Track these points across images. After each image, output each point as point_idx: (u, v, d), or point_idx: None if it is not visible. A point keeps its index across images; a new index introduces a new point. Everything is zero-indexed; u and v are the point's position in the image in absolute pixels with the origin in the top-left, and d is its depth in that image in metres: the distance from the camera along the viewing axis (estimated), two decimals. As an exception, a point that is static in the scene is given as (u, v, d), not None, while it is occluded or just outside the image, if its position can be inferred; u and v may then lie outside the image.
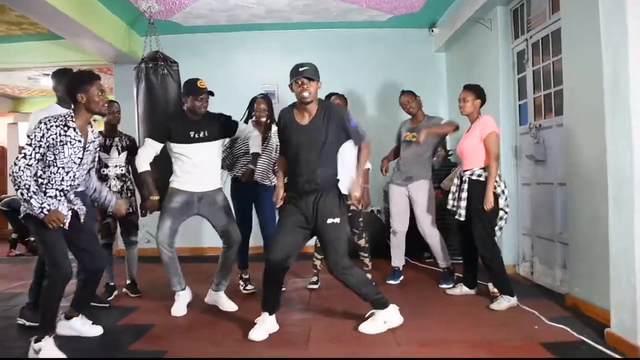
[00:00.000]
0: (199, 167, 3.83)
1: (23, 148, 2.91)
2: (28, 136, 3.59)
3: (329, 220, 3.29)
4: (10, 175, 2.88)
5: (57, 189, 2.99)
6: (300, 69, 3.23)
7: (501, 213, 3.86)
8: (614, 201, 2.93)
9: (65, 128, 2.96)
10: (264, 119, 4.41)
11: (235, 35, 6.71)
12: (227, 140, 4.20)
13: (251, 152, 4.04)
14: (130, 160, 4.36)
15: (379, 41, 6.72)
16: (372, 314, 3.43)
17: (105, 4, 5.56)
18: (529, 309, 3.68)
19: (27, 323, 3.53)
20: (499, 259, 3.87)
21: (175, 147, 3.80)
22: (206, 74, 6.20)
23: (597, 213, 3.34)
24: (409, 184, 4.60)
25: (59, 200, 3.00)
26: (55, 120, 2.95)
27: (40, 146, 2.89)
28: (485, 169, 3.86)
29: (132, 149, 4.39)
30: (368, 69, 6.71)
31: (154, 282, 4.87)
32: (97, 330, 3.39)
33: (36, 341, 2.94)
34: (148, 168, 3.80)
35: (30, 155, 2.88)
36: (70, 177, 3.02)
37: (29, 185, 2.85)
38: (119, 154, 4.34)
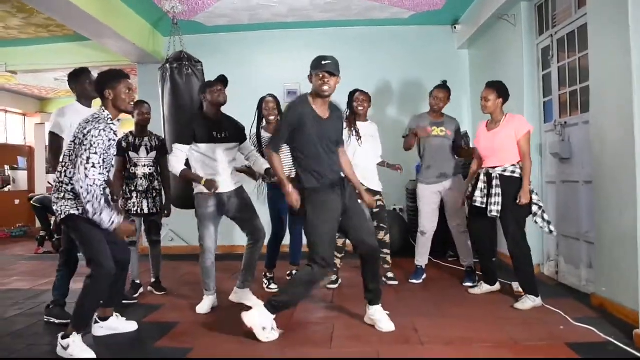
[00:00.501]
0: (224, 167, 3.87)
1: (89, 158, 2.89)
2: (50, 133, 3.67)
3: (360, 200, 3.52)
4: (81, 187, 2.87)
5: (102, 189, 3.02)
6: (323, 62, 3.25)
7: (535, 208, 3.81)
8: (642, 199, 2.88)
9: (110, 130, 3.03)
10: (272, 118, 4.44)
11: (258, 35, 6.75)
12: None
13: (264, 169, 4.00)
14: (159, 160, 4.43)
15: (401, 39, 6.69)
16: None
17: (129, 5, 5.65)
18: (554, 308, 3.64)
19: (57, 321, 3.59)
20: (529, 256, 3.82)
21: (201, 148, 3.82)
22: (228, 73, 6.21)
23: (624, 211, 3.29)
24: (443, 181, 4.58)
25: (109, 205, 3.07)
26: (104, 122, 2.99)
27: (104, 152, 2.96)
28: (516, 165, 3.85)
29: (161, 149, 4.46)
30: (390, 67, 6.68)
31: (179, 280, 4.95)
32: (132, 326, 3.46)
33: (63, 337, 2.99)
34: (183, 167, 3.82)
35: (98, 163, 2.92)
36: (107, 175, 3.12)
37: (101, 199, 2.92)
38: (148, 153, 4.40)
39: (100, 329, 3.37)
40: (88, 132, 2.94)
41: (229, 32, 6.70)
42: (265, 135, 4.47)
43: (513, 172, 3.84)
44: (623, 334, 3.08)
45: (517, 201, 3.75)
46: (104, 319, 3.38)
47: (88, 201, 2.89)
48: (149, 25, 6.27)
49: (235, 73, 6.00)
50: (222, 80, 3.93)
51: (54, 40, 6.93)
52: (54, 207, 3.07)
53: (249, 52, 6.82)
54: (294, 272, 4.61)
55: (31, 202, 7.93)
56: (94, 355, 2.96)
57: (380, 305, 3.46)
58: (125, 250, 3.36)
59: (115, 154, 3.13)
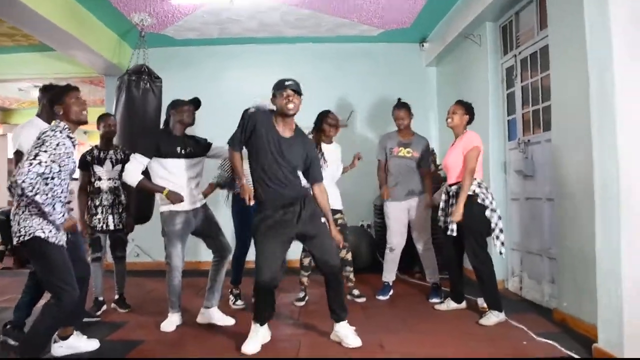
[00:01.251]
0: (188, 183, 3.84)
1: (37, 155, 2.73)
2: (17, 151, 3.56)
3: (323, 219, 3.49)
4: (16, 183, 2.69)
5: (61, 202, 2.90)
6: (287, 83, 3.30)
7: (492, 225, 3.85)
8: (601, 217, 2.96)
9: (67, 137, 2.95)
10: None
11: (227, 49, 6.74)
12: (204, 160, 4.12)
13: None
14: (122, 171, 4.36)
15: (370, 55, 6.78)
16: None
17: (97, 17, 5.58)
18: (518, 324, 3.70)
19: (14, 342, 3.41)
20: (492, 272, 3.87)
21: (166, 163, 3.77)
22: (198, 87, 6.24)
23: (584, 229, 3.37)
24: (409, 199, 4.61)
25: (64, 215, 2.92)
26: (63, 131, 2.91)
27: (52, 154, 2.78)
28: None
29: (126, 162, 4.37)
30: (359, 83, 6.75)
31: (144, 297, 4.85)
32: (94, 344, 3.36)
33: None
34: (142, 177, 3.73)
35: (46, 162, 2.74)
36: (66, 188, 2.99)
37: (46, 195, 2.75)
38: (113, 166, 4.32)
39: (60, 349, 3.26)
40: (42, 134, 2.86)
41: (198, 45, 6.67)
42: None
43: (458, 199, 3.89)
44: (583, 348, 3.15)
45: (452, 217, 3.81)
46: (64, 337, 3.27)
47: (35, 194, 2.68)
48: (117, 37, 6.20)
49: (205, 87, 6.03)
50: (194, 103, 3.94)
51: (19, 50, 6.77)
52: (14, 227, 2.88)
53: (219, 66, 6.80)
54: (235, 290, 4.55)
55: None
56: None
57: (346, 321, 3.45)
58: (85, 266, 3.30)
59: (74, 168, 3.00)
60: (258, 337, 3.32)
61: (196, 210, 3.88)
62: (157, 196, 3.89)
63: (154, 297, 4.88)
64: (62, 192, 2.92)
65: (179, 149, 3.81)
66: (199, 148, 3.96)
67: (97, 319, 4.06)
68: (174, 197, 3.65)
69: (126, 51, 6.46)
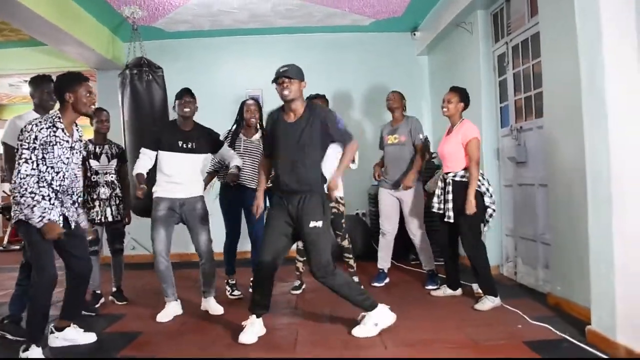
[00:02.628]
0: (182, 176, 3.89)
1: (21, 154, 2.90)
2: (4, 143, 3.58)
3: (312, 224, 3.32)
4: (13, 182, 2.88)
5: (51, 190, 3.00)
6: (281, 70, 3.33)
7: (489, 210, 3.90)
8: (593, 201, 2.99)
9: (54, 129, 3.00)
10: (253, 120, 4.45)
11: (219, 41, 6.72)
12: (211, 155, 4.19)
13: (232, 165, 4.09)
14: (120, 168, 4.39)
15: (362, 45, 6.78)
16: (363, 316, 3.45)
17: (88, 10, 5.55)
18: (513, 308, 3.74)
19: (11, 337, 3.46)
20: (485, 258, 3.91)
21: (162, 155, 3.86)
22: (190, 78, 6.23)
23: (576, 213, 3.41)
24: (398, 189, 4.64)
25: (52, 203, 3.00)
26: (44, 121, 2.98)
27: (35, 148, 2.91)
28: (466, 170, 3.92)
29: (121, 157, 4.43)
30: (352, 73, 6.76)
31: (141, 289, 4.87)
32: (91, 337, 3.38)
33: (24, 350, 2.93)
34: (143, 172, 3.84)
35: (30, 158, 2.90)
36: (59, 177, 3.05)
37: (35, 193, 2.88)
38: (109, 161, 4.35)
39: (56, 340, 3.30)
40: (21, 130, 2.96)
41: (190, 37, 6.65)
42: (243, 137, 4.46)
43: (463, 176, 3.93)
44: (577, 330, 3.20)
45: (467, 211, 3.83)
46: (60, 329, 3.31)
47: (21, 195, 2.87)
48: (109, 30, 6.17)
49: (197, 79, 6.02)
50: (188, 92, 3.95)
51: (8, 45, 6.71)
52: (12, 212, 3.04)
53: (211, 58, 6.79)
54: (230, 280, 4.58)
55: None
56: None
57: (369, 313, 3.42)
58: (87, 264, 3.31)
59: (62, 155, 3.04)
60: (254, 327, 3.35)
61: (185, 201, 3.91)
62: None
63: (150, 289, 4.89)
64: (52, 180, 3.01)
65: (180, 142, 3.87)
66: (204, 144, 3.99)
67: (94, 313, 4.07)
68: (140, 191, 3.69)
69: (118, 45, 6.44)
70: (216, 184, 4.58)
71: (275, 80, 3.34)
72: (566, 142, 3.61)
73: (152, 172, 3.94)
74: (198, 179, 4.03)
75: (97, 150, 4.34)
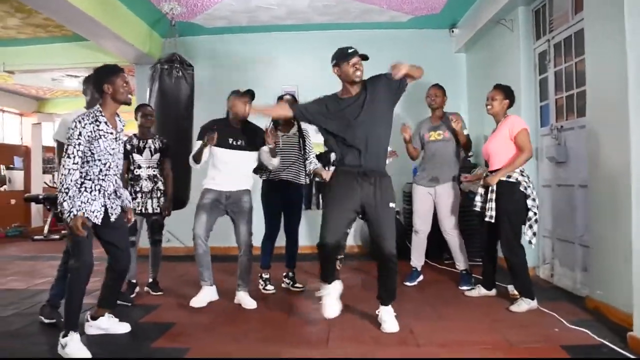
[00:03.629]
0: (230, 171, 4.02)
1: (66, 149, 3.03)
2: (56, 140, 3.69)
3: (391, 204, 3.38)
4: (61, 175, 3.02)
5: (95, 181, 3.12)
6: (350, 50, 3.37)
7: (530, 214, 3.80)
8: (637, 201, 2.90)
9: (97, 123, 3.11)
10: (282, 121, 4.44)
11: (256, 37, 6.76)
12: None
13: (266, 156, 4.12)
14: (162, 162, 4.47)
15: (399, 42, 6.71)
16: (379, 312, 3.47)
17: (128, 6, 5.66)
18: (549, 311, 3.66)
19: (46, 320, 3.60)
20: (524, 261, 3.83)
21: (215, 150, 3.99)
22: (226, 75, 6.33)
23: (619, 215, 3.31)
24: (435, 186, 4.59)
25: (94, 196, 3.11)
26: (87, 117, 3.09)
27: (79, 144, 3.03)
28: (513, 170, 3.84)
29: (164, 151, 4.50)
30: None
31: (176, 281, 4.95)
32: (125, 327, 3.45)
33: (63, 336, 3.01)
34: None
35: (74, 154, 3.02)
36: (107, 168, 3.17)
37: (69, 189, 2.98)
38: (152, 155, 4.43)
39: (90, 328, 3.38)
40: (68, 129, 3.09)
41: (227, 33, 6.71)
42: (280, 133, 4.43)
43: (509, 176, 3.84)
44: (617, 336, 3.10)
45: (504, 198, 3.76)
46: (95, 317, 3.39)
47: (59, 190, 3.02)
48: (147, 26, 6.27)
49: (233, 75, 6.08)
50: (249, 94, 4.00)
51: (52, 41, 6.93)
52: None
53: (248, 54, 6.83)
54: (290, 274, 4.63)
55: None
56: (89, 355, 2.96)
57: (390, 306, 3.45)
58: (126, 255, 3.37)
59: (108, 147, 3.15)
60: (332, 296, 3.37)
61: (230, 193, 4.03)
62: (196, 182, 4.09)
63: (185, 280, 4.98)
64: (100, 172, 3.14)
65: (230, 140, 4.00)
66: (253, 142, 4.08)
67: (130, 303, 4.15)
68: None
69: (157, 40, 6.54)
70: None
71: (343, 58, 3.35)
72: (610, 142, 3.50)
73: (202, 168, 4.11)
74: (245, 174, 4.14)
75: (141, 144, 4.43)
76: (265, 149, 4.05)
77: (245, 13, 6.08)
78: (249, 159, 4.11)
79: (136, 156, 4.39)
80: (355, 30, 6.67)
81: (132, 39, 5.88)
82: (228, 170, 4.01)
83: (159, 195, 4.43)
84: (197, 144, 4.04)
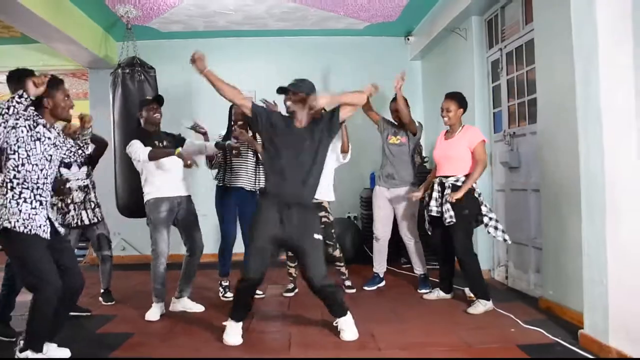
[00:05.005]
0: (172, 173, 3.95)
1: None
2: None
3: (316, 236, 3.33)
4: None
5: (35, 190, 2.82)
6: (289, 84, 3.39)
7: (485, 219, 3.90)
8: (586, 205, 3.02)
9: (35, 124, 2.85)
10: (240, 123, 4.38)
11: (214, 42, 6.67)
12: None
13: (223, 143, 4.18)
14: (89, 172, 4.35)
15: (356, 49, 6.78)
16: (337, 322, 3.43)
17: (82, 9, 5.51)
18: (505, 312, 3.76)
19: (1, 337, 3.39)
20: (476, 263, 3.94)
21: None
22: (184, 79, 6.24)
23: (569, 218, 3.45)
24: (392, 187, 4.66)
25: (35, 208, 2.81)
26: (24, 110, 2.76)
27: (6, 133, 2.73)
28: (468, 176, 3.94)
29: (90, 162, 4.32)
30: (345, 76, 6.72)
31: (131, 290, 4.82)
32: (64, 353, 3.02)
33: (21, 350, 2.78)
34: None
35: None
36: (44, 175, 2.88)
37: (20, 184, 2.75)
38: (79, 168, 4.27)
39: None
40: None
41: (184, 38, 6.61)
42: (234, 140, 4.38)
43: (464, 182, 3.94)
44: (569, 334, 3.22)
45: (459, 204, 3.84)
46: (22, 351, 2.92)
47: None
48: (102, 29, 6.13)
49: (190, 79, 6.00)
50: (157, 100, 4.06)
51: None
52: None
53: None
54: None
55: None
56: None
57: (346, 316, 3.40)
58: (79, 277, 3.00)
59: (45, 153, 2.88)
60: (237, 330, 3.32)
61: (180, 199, 3.98)
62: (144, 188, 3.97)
63: (140, 290, 4.85)
64: (38, 179, 2.84)
65: (157, 142, 3.94)
66: (174, 141, 4.07)
67: (87, 313, 4.02)
68: (187, 156, 3.74)
69: (112, 44, 6.40)
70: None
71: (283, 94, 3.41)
72: (560, 147, 3.64)
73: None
74: (183, 176, 4.07)
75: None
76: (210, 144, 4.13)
77: (201, 18, 6.02)
78: (179, 160, 3.95)
79: (63, 170, 4.21)
80: (312, 36, 6.71)
81: (87, 43, 5.72)
82: (172, 175, 3.94)
83: (92, 206, 4.29)
84: (136, 142, 3.84)
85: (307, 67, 6.51)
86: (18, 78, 3.22)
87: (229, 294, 4.44)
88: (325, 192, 4.42)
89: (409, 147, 4.68)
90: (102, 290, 4.44)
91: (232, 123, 4.47)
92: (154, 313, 3.88)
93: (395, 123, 4.79)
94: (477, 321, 3.66)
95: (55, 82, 2.92)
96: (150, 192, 3.93)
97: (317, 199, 4.11)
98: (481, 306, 3.83)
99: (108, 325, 3.78)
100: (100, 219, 4.35)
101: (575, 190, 3.17)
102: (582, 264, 3.07)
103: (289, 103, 3.37)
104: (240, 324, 3.36)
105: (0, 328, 3.45)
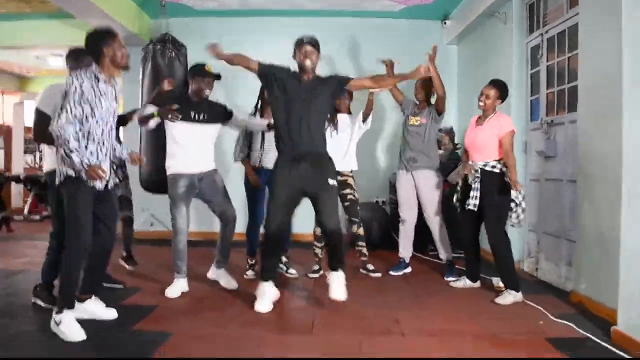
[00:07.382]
0: (196, 148, 3.91)
1: (62, 106, 2.90)
2: (37, 110, 3.45)
3: (330, 181, 3.49)
4: (52, 131, 2.89)
5: (97, 142, 3.02)
6: (304, 39, 3.53)
7: (512, 205, 3.80)
8: (628, 198, 2.91)
9: (97, 81, 2.99)
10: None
11: (247, 21, 6.66)
12: (220, 126, 4.11)
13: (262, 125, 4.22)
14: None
15: (390, 32, 6.65)
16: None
17: (117, -16, 5.52)
18: (534, 304, 3.67)
19: (43, 304, 3.47)
20: (509, 250, 3.84)
21: (178, 125, 3.82)
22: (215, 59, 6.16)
23: (606, 211, 3.32)
24: (413, 170, 4.59)
25: (100, 158, 3.04)
26: (85, 73, 2.96)
27: (79, 101, 2.91)
28: (498, 161, 3.85)
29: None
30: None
31: (158, 265, 4.86)
32: (111, 314, 3.29)
33: (57, 313, 2.94)
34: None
35: (71, 110, 2.89)
36: (108, 129, 3.09)
37: (69, 141, 2.86)
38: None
39: (76, 311, 3.17)
40: (65, 86, 2.95)
41: (217, 16, 6.59)
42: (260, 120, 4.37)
43: (494, 167, 3.85)
44: (601, 330, 3.12)
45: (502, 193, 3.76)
46: (81, 300, 3.23)
47: (57, 144, 2.93)
48: (136, 5, 6.14)
49: (222, 58, 5.96)
50: (215, 77, 3.98)
51: (36, 17, 6.71)
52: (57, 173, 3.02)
53: (237, 38, 6.69)
54: (284, 259, 4.56)
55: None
56: (83, 337, 2.91)
57: (340, 273, 3.51)
58: (109, 237, 3.23)
59: (109, 107, 3.06)
60: (266, 295, 3.45)
61: (202, 175, 3.93)
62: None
63: (168, 265, 4.89)
64: (102, 133, 3.04)
65: (192, 113, 3.87)
66: (215, 115, 3.99)
67: (120, 286, 4.07)
68: (164, 113, 3.71)
69: (145, 21, 6.40)
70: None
71: (296, 47, 3.60)
72: (600, 137, 3.49)
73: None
74: (210, 151, 4.04)
75: None
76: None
77: (236, -5, 5.98)
78: (211, 132, 3.98)
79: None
80: (346, 17, 6.60)
81: (121, 18, 5.74)
82: (195, 148, 3.88)
83: (114, 167, 4.29)
84: (148, 107, 3.84)
85: (341, 48, 6.47)
86: (77, 56, 3.52)
87: (250, 272, 4.47)
88: (348, 160, 4.50)
89: (427, 129, 4.57)
90: (124, 254, 4.49)
91: (259, 102, 4.46)
92: (173, 290, 3.89)
93: (417, 103, 4.69)
94: (505, 312, 3.58)
95: (111, 32, 3.10)
96: (170, 166, 3.92)
97: (340, 172, 4.21)
98: (510, 297, 3.74)
99: (133, 297, 3.83)
100: (121, 179, 4.29)
101: (614, 182, 3.05)
102: (619, 258, 2.96)
103: (308, 62, 3.51)
104: (270, 285, 3.50)
105: (45, 296, 3.52)
